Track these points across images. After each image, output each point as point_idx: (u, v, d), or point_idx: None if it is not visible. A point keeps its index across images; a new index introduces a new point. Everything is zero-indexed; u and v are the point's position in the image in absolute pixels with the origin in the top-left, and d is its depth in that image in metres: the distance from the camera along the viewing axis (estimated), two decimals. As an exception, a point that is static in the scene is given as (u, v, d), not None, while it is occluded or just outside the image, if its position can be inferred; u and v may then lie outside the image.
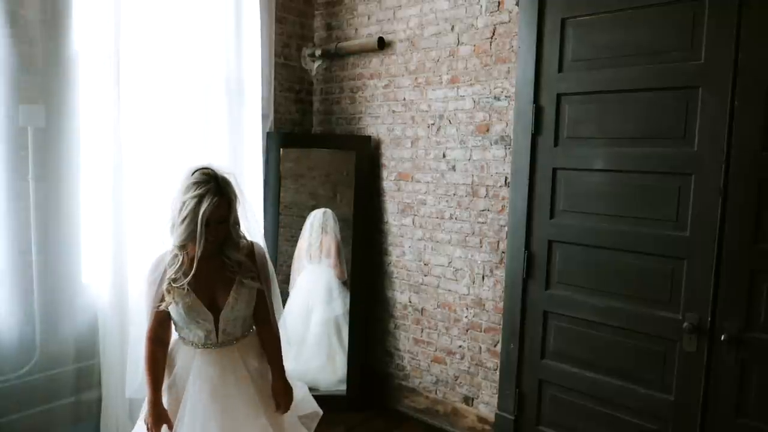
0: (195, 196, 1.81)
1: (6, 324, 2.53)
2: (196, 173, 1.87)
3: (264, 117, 3.43)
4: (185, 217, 1.82)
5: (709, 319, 2.22)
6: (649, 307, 2.39)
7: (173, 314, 1.94)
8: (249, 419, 1.93)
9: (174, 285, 1.88)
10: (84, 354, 2.76)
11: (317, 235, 3.53)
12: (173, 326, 2.00)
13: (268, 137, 3.50)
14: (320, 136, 3.76)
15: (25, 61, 2.49)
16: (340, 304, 3.51)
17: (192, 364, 1.95)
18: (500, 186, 2.91)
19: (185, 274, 1.87)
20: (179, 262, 1.88)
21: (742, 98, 2.12)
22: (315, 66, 3.77)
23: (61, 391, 2.70)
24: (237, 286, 1.94)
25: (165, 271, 1.90)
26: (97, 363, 2.77)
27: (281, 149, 3.49)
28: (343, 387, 3.43)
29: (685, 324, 2.26)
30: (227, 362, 1.95)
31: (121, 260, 2.74)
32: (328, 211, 3.55)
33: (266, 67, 3.42)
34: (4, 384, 2.52)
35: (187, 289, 1.88)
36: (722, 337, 2.18)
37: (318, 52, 3.67)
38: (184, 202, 1.83)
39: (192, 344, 1.96)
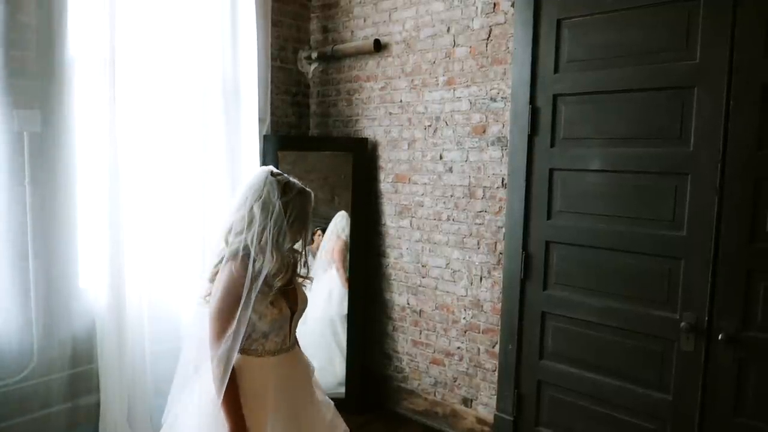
0: (299, 194, 1.80)
1: (3, 329, 2.52)
2: (278, 177, 1.81)
3: (261, 120, 3.43)
4: (295, 218, 1.78)
5: (707, 318, 2.22)
6: (646, 307, 2.39)
7: (259, 326, 1.80)
8: (320, 414, 1.94)
9: (279, 292, 1.80)
10: (82, 359, 2.75)
11: (328, 238, 3.56)
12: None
13: (265, 140, 3.50)
14: (317, 138, 3.77)
15: (21, 65, 2.49)
16: (336, 305, 3.51)
17: (270, 375, 1.82)
18: (497, 187, 2.91)
19: (286, 281, 1.81)
20: (286, 270, 1.80)
21: (737, 98, 2.12)
22: (311, 69, 3.77)
23: (59, 396, 2.69)
24: (297, 286, 1.91)
25: (263, 282, 1.77)
26: (95, 367, 2.76)
27: (278, 152, 3.49)
28: (342, 389, 3.42)
29: (683, 324, 2.27)
30: (297, 363, 1.93)
31: (118, 264, 2.73)
32: (341, 213, 3.55)
33: (262, 71, 3.42)
34: (2, 389, 2.52)
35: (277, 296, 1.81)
36: (719, 337, 2.18)
37: (314, 55, 3.67)
38: (287, 203, 1.76)
39: (268, 353, 1.83)
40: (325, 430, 1.93)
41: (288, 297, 1.86)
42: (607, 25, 2.44)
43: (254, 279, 1.75)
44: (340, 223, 3.54)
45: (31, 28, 2.50)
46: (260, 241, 1.75)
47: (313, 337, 3.47)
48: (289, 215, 1.77)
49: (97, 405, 2.76)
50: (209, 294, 1.81)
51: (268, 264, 1.75)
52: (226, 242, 1.80)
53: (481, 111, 2.95)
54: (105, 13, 2.64)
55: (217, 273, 1.79)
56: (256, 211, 1.75)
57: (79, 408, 2.75)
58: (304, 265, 1.92)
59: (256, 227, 1.75)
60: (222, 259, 1.80)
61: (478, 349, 3.06)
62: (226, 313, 1.72)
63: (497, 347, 2.94)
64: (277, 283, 1.78)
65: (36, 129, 2.53)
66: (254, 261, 1.75)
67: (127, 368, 2.78)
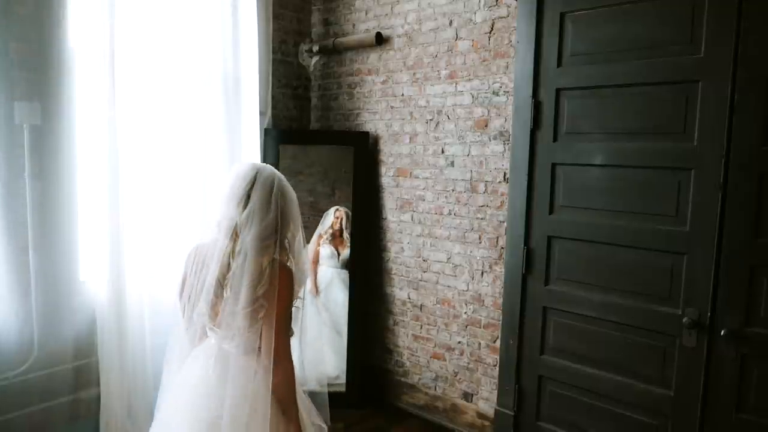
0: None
1: (4, 322, 2.52)
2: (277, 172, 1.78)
3: (261, 114, 3.42)
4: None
5: (709, 314, 2.22)
6: (648, 302, 2.38)
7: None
8: None
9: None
10: (82, 352, 2.75)
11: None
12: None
13: (266, 134, 3.48)
14: (318, 132, 3.75)
15: (21, 57, 2.47)
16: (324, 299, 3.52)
17: None
18: (499, 182, 2.90)
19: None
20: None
21: (742, 92, 2.10)
22: (312, 62, 3.75)
23: (59, 389, 2.69)
24: None
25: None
26: (96, 361, 2.76)
27: (279, 146, 3.48)
28: (336, 382, 3.42)
29: (685, 319, 2.26)
30: None
31: (119, 257, 2.73)
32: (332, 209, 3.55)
33: (263, 64, 3.41)
34: (2, 382, 2.52)
35: None
36: (722, 332, 2.17)
37: (315, 48, 3.65)
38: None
39: None
40: None
41: None
42: (611, 18, 2.42)
43: (302, 273, 1.75)
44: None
45: (30, 19, 2.48)
46: (298, 236, 1.74)
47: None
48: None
49: (98, 398, 2.76)
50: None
51: (307, 258, 1.78)
52: (259, 244, 1.64)
53: (484, 105, 2.94)
54: (105, 4, 2.62)
55: (260, 278, 1.64)
56: (289, 210, 1.71)
57: (80, 401, 2.75)
58: None
59: (295, 223, 1.73)
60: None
61: (479, 343, 3.06)
62: (290, 314, 1.69)
63: (498, 342, 2.93)
64: (310, 274, 1.79)
65: (36, 121, 2.52)
66: (297, 257, 1.73)
67: (127, 361, 2.78)
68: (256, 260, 1.64)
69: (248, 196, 1.66)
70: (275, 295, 1.64)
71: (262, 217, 1.65)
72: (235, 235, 1.66)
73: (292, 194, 1.73)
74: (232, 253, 1.65)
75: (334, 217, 3.50)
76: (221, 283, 1.66)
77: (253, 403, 1.65)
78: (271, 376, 1.65)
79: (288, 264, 1.70)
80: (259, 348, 1.68)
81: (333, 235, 3.50)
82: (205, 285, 1.67)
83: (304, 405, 1.81)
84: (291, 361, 1.69)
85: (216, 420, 1.64)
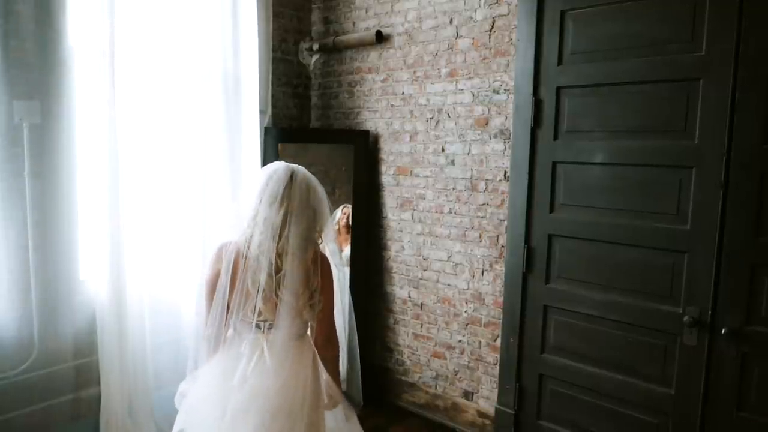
0: None
1: (4, 321, 2.52)
2: None
3: (262, 112, 3.41)
4: None
5: (710, 312, 2.21)
6: (649, 300, 2.38)
7: None
8: None
9: None
10: (82, 351, 2.75)
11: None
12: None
13: (266, 133, 3.48)
14: (318, 130, 3.75)
15: (20, 56, 2.47)
16: None
17: None
18: (499, 180, 2.90)
19: None
20: None
21: (743, 91, 2.10)
22: (313, 60, 3.75)
23: (59, 388, 2.69)
24: None
25: None
26: (96, 360, 2.75)
27: (279, 145, 3.47)
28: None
29: (686, 318, 2.26)
30: None
31: (119, 256, 2.72)
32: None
33: (263, 62, 3.40)
34: (2, 381, 2.51)
35: None
36: (723, 331, 2.17)
37: (316, 47, 3.64)
38: None
39: None
40: None
41: None
42: (612, 16, 2.41)
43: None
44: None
45: (29, 18, 2.47)
46: (327, 230, 1.90)
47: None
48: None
49: (98, 397, 2.76)
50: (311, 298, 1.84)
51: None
52: (302, 243, 1.79)
53: (484, 103, 2.93)
54: (104, 3, 2.61)
55: (310, 274, 1.82)
56: (322, 207, 1.85)
57: (81, 400, 2.75)
58: None
59: (327, 218, 1.87)
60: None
61: (480, 342, 3.06)
62: (334, 302, 1.90)
63: (499, 341, 2.93)
64: None
65: (36, 120, 2.52)
66: (329, 246, 1.94)
67: (127, 360, 2.78)
68: (303, 258, 1.78)
69: (285, 197, 1.76)
70: (327, 286, 1.84)
71: (301, 216, 1.77)
72: (279, 235, 1.76)
73: (323, 192, 1.84)
74: (280, 253, 1.76)
75: (341, 213, 3.50)
76: (274, 280, 1.76)
77: (313, 382, 1.83)
78: (326, 354, 1.89)
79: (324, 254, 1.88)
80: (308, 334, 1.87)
81: (338, 232, 3.50)
82: (260, 284, 1.77)
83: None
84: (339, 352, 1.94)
85: (285, 404, 1.77)
